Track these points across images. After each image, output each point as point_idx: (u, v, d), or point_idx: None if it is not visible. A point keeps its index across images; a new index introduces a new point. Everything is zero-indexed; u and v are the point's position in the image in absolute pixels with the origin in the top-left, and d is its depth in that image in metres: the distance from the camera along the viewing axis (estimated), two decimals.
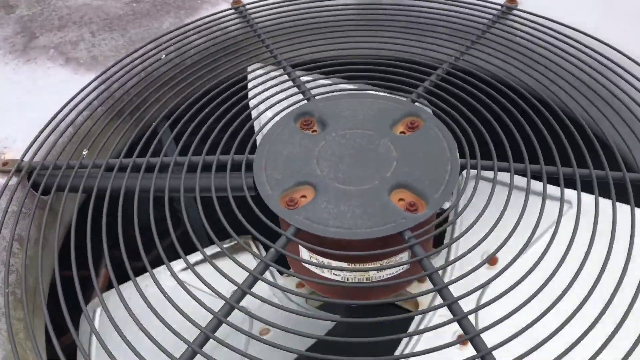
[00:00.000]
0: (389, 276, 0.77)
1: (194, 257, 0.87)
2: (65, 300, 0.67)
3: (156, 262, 0.73)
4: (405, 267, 0.76)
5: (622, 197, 0.74)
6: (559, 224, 0.69)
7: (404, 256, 0.75)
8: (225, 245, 0.88)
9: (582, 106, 0.86)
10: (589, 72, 0.93)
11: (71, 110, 0.94)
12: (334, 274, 0.76)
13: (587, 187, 0.75)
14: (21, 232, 0.80)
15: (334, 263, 0.74)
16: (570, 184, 0.76)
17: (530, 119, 0.83)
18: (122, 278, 0.71)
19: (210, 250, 0.89)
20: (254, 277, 0.68)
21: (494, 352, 0.59)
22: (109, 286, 0.77)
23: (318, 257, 0.75)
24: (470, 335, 0.60)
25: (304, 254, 0.75)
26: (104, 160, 0.83)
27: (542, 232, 0.73)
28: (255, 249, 0.93)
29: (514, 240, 0.66)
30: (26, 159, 0.87)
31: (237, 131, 0.83)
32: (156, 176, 0.80)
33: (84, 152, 0.86)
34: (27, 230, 0.78)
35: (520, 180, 0.77)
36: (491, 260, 0.71)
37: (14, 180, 0.84)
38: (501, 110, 0.84)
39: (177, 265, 0.85)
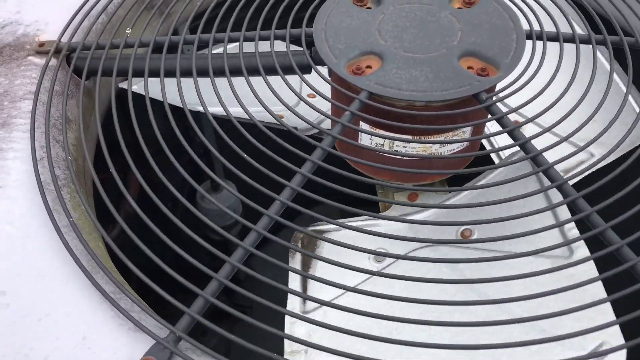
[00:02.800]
0: (451, 151, 0.77)
1: None
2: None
3: None
4: (466, 143, 0.76)
5: None
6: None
7: (467, 130, 0.75)
8: None
9: None
10: None
11: None
12: (395, 149, 0.75)
13: None
14: (68, 113, 0.76)
15: (399, 136, 0.73)
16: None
17: None
18: None
19: None
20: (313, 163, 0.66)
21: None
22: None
23: (381, 132, 0.73)
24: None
25: (366, 129, 0.74)
26: (151, 37, 0.79)
27: None
28: None
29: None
30: (64, 40, 0.82)
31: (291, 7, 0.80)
32: (211, 56, 0.76)
33: (127, 31, 0.81)
34: (78, 110, 0.75)
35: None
36: None
37: (53, 62, 0.80)
38: None
39: None
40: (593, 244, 0.62)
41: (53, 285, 0.59)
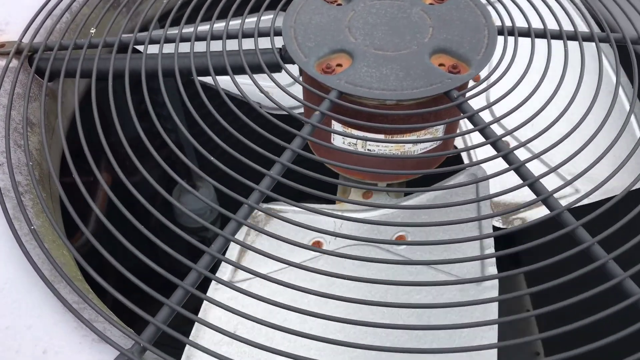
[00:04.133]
0: (423, 150, 0.76)
1: None
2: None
3: None
4: (439, 141, 0.75)
5: None
6: None
7: (440, 129, 0.74)
8: None
9: None
10: None
11: None
12: (368, 149, 0.74)
13: None
14: (30, 116, 0.74)
15: (371, 135, 0.71)
16: None
17: None
18: None
19: None
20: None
21: None
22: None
23: (353, 131, 0.72)
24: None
25: (337, 128, 0.73)
26: (116, 38, 0.77)
27: None
28: None
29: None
30: (25, 40, 0.80)
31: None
32: (178, 55, 0.74)
33: (92, 31, 0.79)
34: (41, 113, 0.72)
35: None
36: None
37: (14, 63, 0.77)
38: None
39: None
40: None
41: (14, 296, 0.57)
